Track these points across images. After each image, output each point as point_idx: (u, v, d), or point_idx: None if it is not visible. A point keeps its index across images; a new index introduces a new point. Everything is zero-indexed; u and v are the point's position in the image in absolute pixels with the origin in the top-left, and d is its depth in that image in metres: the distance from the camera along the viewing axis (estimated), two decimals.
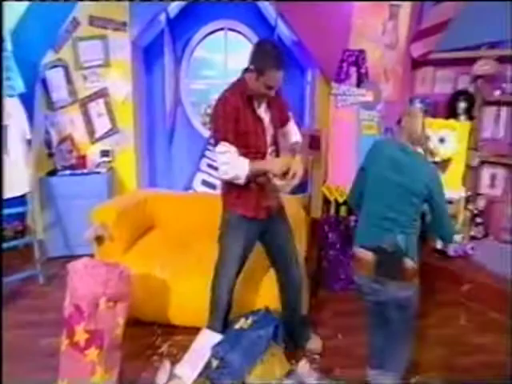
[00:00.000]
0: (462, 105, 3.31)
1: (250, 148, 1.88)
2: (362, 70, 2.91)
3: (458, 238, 3.08)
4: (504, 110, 3.31)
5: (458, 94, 3.35)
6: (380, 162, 1.78)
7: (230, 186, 1.94)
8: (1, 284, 2.35)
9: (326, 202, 2.97)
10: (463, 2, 3.14)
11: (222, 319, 2.07)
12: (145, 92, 4.07)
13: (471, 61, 3.23)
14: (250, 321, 1.99)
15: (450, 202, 2.93)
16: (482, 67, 3.21)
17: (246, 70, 1.86)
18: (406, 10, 3.32)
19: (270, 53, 1.77)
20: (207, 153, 4.00)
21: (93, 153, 3.73)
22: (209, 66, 4.37)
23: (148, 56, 4.03)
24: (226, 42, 4.12)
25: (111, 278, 1.81)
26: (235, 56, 4.11)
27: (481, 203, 3.26)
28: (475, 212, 3.24)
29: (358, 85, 2.90)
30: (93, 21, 3.52)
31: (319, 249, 3.06)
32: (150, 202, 2.97)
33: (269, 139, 1.97)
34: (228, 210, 2.02)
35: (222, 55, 4.15)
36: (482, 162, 3.33)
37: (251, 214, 1.96)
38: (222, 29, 4.07)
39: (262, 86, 1.81)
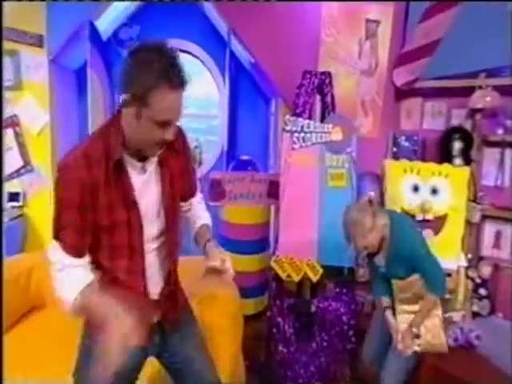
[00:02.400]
0: (457, 145, 2.66)
1: (116, 246, 1.13)
2: (328, 99, 2.24)
3: (456, 316, 2.34)
4: (508, 152, 2.67)
5: (452, 132, 2.71)
6: None
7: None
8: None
9: (277, 279, 2.22)
10: (454, 20, 2.55)
11: None
12: (73, 123, 3.34)
13: (467, 91, 2.62)
14: None
15: (448, 275, 2.22)
16: (481, 99, 2.59)
17: (119, 108, 1.09)
18: (386, 27, 2.71)
19: (156, 62, 0.98)
20: None
21: None
22: None
23: (81, 80, 3.33)
24: None
25: None
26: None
27: (485, 270, 2.55)
28: (478, 281, 2.52)
29: (322, 119, 2.23)
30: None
31: (267, 345, 2.32)
32: (37, 271, 2.15)
33: (151, 228, 1.17)
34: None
35: None
36: (484, 217, 2.65)
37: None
38: None
39: (147, 129, 1.03)
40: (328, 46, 2.77)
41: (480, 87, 2.58)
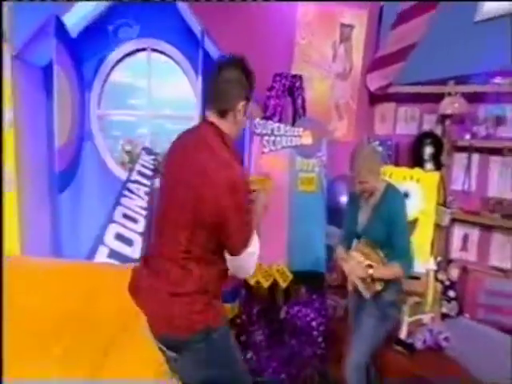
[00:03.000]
0: (428, 150, 2.72)
1: None
2: (299, 102, 2.23)
3: (426, 318, 2.39)
4: (476, 158, 2.75)
5: (423, 137, 2.76)
6: None
7: (191, 294, 1.28)
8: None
9: (247, 286, 2.17)
10: (427, 26, 2.59)
11: None
12: (41, 121, 3.19)
13: (438, 97, 2.67)
14: None
15: (417, 278, 2.26)
16: (450, 106, 2.65)
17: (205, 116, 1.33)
18: (360, 32, 2.73)
19: (245, 65, 1.30)
20: (123, 200, 3.12)
21: None
22: (132, 94, 3.55)
23: (48, 78, 3.18)
24: (150, 64, 3.36)
25: None
26: (160, 82, 3.35)
27: (453, 272, 2.62)
28: (447, 283, 2.58)
29: (293, 122, 2.22)
30: None
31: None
32: None
33: None
34: (208, 328, 1.28)
35: (145, 80, 3.38)
36: (453, 221, 2.72)
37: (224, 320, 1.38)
38: (144, 49, 3.33)
39: (245, 122, 1.37)
40: (302, 49, 2.76)
41: (449, 94, 2.64)
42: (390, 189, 1.75)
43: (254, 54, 2.69)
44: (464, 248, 2.76)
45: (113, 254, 2.87)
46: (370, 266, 1.68)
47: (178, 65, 3.32)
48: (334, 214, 2.67)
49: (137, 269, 1.40)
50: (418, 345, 2.19)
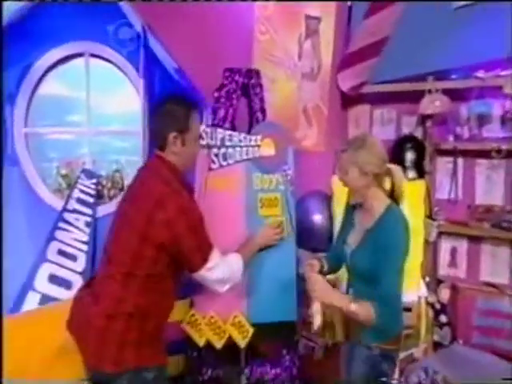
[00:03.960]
0: (409, 155, 2.42)
1: None
2: (256, 103, 1.85)
3: (418, 352, 2.09)
4: (461, 162, 2.47)
5: (403, 141, 2.46)
6: None
7: (128, 317, 1.27)
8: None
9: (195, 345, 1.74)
10: (400, 17, 2.29)
11: None
12: None
13: (417, 96, 2.37)
14: None
15: (408, 310, 1.95)
16: (430, 104, 2.36)
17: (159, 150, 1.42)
18: (328, 25, 2.38)
19: (181, 99, 1.46)
20: (59, 233, 2.63)
21: None
22: (69, 108, 3.03)
23: None
24: (88, 72, 2.88)
25: None
26: (101, 93, 2.88)
27: (444, 294, 2.32)
28: (437, 307, 2.29)
29: (250, 129, 1.84)
30: None
31: None
32: None
33: None
34: (140, 365, 1.27)
35: (83, 92, 2.89)
36: (440, 233, 2.43)
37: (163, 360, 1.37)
38: (81, 54, 2.86)
39: (192, 150, 1.46)
40: (263, 46, 2.41)
41: (429, 91, 2.35)
42: (392, 211, 1.40)
43: (208, 54, 2.32)
44: (453, 263, 2.48)
45: (45, 300, 2.40)
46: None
47: (123, 72, 2.87)
48: (305, 237, 2.34)
49: (76, 297, 1.42)
50: None
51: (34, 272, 2.56)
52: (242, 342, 1.67)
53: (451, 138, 2.44)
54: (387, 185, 1.47)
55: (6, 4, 2.34)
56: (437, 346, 2.25)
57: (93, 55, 2.85)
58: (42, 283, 2.55)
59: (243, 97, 1.85)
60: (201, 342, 1.68)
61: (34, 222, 2.75)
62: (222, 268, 1.41)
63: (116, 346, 1.24)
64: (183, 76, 2.54)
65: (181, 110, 1.38)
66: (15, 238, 2.59)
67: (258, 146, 1.74)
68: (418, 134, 2.48)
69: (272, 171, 1.76)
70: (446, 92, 2.32)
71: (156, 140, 1.42)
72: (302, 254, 2.52)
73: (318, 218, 2.37)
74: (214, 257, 1.39)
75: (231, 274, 1.46)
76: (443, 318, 2.28)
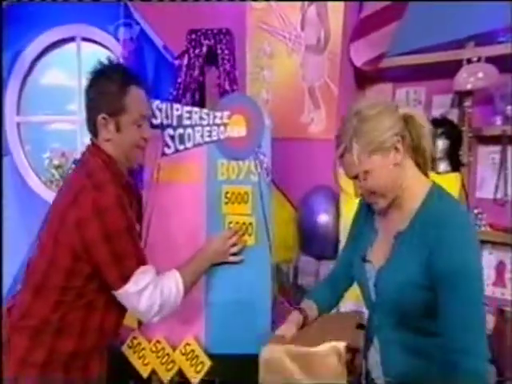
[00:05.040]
0: (440, 144, 1.92)
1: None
2: (225, 69, 1.45)
3: None
4: (511, 151, 1.94)
5: (433, 127, 1.95)
6: None
7: (33, 332, 1.11)
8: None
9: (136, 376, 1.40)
10: None
11: None
12: None
13: (452, 68, 1.87)
14: None
15: None
16: (470, 78, 1.85)
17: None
18: None
19: (114, 70, 1.20)
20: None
21: None
22: (63, 96, 2.93)
23: None
24: (80, 57, 2.72)
25: None
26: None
27: (487, 321, 1.78)
28: None
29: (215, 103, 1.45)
30: None
31: None
32: None
33: None
34: None
35: (76, 79, 2.73)
36: (481, 243, 1.90)
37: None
38: (73, 38, 2.70)
39: (131, 137, 1.18)
40: (259, 15, 2.03)
41: (469, 61, 1.84)
42: (438, 195, 0.92)
43: (196, 26, 2.03)
44: (499, 282, 1.94)
45: None
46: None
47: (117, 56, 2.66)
48: (308, 240, 1.98)
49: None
50: None
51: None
52: (195, 378, 1.30)
53: (498, 121, 1.91)
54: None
55: None
56: None
57: (84, 39, 2.68)
58: None
59: (210, 65, 1.48)
60: (145, 373, 1.34)
61: (27, 213, 2.68)
62: (150, 292, 1.13)
63: (16, 366, 1.08)
64: (174, 55, 2.26)
65: (112, 87, 1.15)
66: (7, 230, 2.53)
67: (225, 124, 1.36)
68: (453, 116, 1.98)
69: (242, 157, 1.37)
70: (492, 60, 1.80)
71: (88, 124, 1.20)
72: (304, 262, 2.16)
73: (323, 219, 1.98)
74: (142, 277, 1.12)
75: (163, 300, 1.16)
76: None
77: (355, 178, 0.96)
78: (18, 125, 2.71)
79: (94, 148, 1.19)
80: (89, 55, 2.70)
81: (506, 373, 1.79)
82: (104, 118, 1.15)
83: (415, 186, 0.94)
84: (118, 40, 2.38)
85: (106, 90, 1.15)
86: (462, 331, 0.81)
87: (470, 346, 0.81)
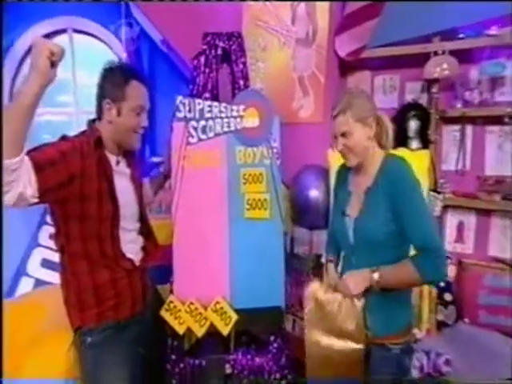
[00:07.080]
0: (413, 124, 2.25)
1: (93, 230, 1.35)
2: (238, 70, 1.69)
3: (420, 333, 1.99)
4: (469, 130, 2.29)
5: (406, 110, 2.28)
6: None
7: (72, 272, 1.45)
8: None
9: (175, 334, 1.64)
10: None
11: None
12: None
13: (421, 59, 2.18)
14: None
15: None
16: (437, 68, 2.17)
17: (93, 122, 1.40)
18: None
19: (120, 66, 1.41)
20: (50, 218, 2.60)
21: None
22: (57, 88, 2.95)
23: None
24: (73, 49, 2.78)
25: None
26: (87, 70, 2.78)
27: (449, 270, 2.19)
28: (442, 285, 2.17)
29: (233, 99, 1.69)
30: None
31: None
32: None
33: (132, 212, 1.45)
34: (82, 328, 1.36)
35: (69, 70, 2.80)
36: (445, 207, 2.28)
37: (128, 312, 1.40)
38: (64, 30, 2.76)
39: (128, 121, 1.36)
40: (253, 13, 2.24)
41: (435, 53, 2.16)
42: (390, 158, 1.25)
43: (196, 22, 2.18)
44: (459, 239, 2.34)
45: (39, 284, 2.38)
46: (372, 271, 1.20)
47: (111, 48, 2.76)
48: (302, 214, 2.24)
49: None
50: (415, 373, 1.78)
51: (26, 257, 2.55)
52: (225, 330, 1.58)
53: (459, 105, 2.26)
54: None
55: None
56: (441, 325, 2.14)
57: (76, 31, 2.74)
58: (34, 268, 2.54)
59: (224, 64, 1.70)
60: (181, 331, 1.59)
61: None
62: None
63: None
64: (170, 48, 2.41)
65: (117, 78, 1.34)
66: (6, 223, 2.57)
67: (241, 116, 1.61)
68: (423, 101, 2.30)
69: (256, 144, 1.63)
70: (454, 53, 2.13)
71: (96, 108, 1.38)
72: (299, 233, 2.43)
73: (314, 194, 2.25)
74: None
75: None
76: (448, 296, 2.17)
77: (342, 135, 1.26)
78: None
79: (88, 128, 1.37)
80: (81, 47, 2.77)
81: (464, 312, 2.22)
82: (108, 103, 1.33)
83: (376, 155, 1.27)
84: (119, 39, 2.49)
85: (111, 80, 1.34)
86: (423, 229, 1.16)
87: (430, 232, 1.16)
